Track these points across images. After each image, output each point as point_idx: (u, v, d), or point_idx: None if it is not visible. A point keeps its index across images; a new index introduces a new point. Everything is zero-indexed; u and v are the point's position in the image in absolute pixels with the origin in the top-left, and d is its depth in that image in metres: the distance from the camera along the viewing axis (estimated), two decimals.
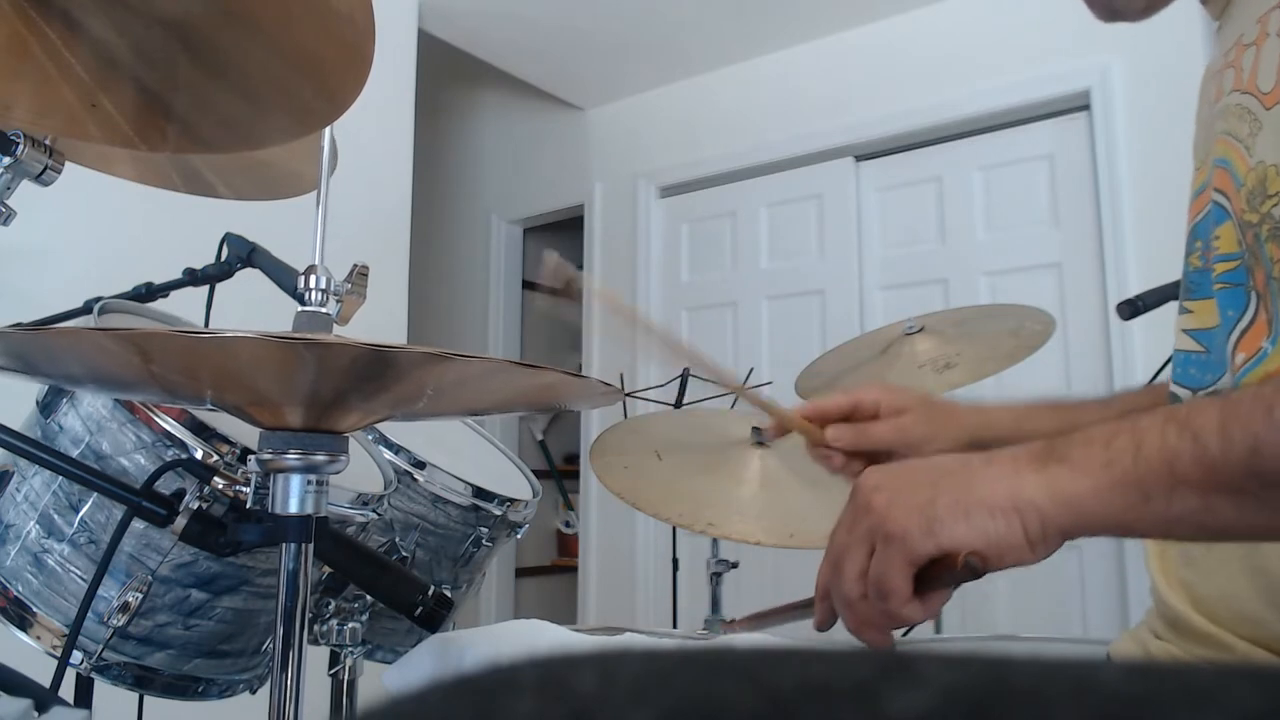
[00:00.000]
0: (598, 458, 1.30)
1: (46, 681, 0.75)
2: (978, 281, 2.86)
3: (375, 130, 2.64)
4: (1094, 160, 2.68)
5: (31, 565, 0.89)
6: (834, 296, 3.13)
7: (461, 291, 4.14)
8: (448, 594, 0.90)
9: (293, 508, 0.72)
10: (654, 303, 3.54)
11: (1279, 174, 0.62)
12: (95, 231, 2.05)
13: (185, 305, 1.16)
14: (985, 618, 2.51)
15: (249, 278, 1.14)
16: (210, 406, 0.78)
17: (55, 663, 0.82)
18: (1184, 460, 0.52)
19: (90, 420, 0.90)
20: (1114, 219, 2.61)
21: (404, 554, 1.16)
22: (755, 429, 1.31)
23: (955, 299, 2.85)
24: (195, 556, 0.88)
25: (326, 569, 0.98)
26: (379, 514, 1.03)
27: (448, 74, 3.85)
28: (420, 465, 1.17)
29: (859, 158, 3.16)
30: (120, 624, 0.86)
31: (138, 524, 0.84)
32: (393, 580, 0.89)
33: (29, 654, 0.84)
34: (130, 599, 0.86)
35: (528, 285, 4.28)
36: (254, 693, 1.02)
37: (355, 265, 0.86)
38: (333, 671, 1.05)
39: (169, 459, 0.86)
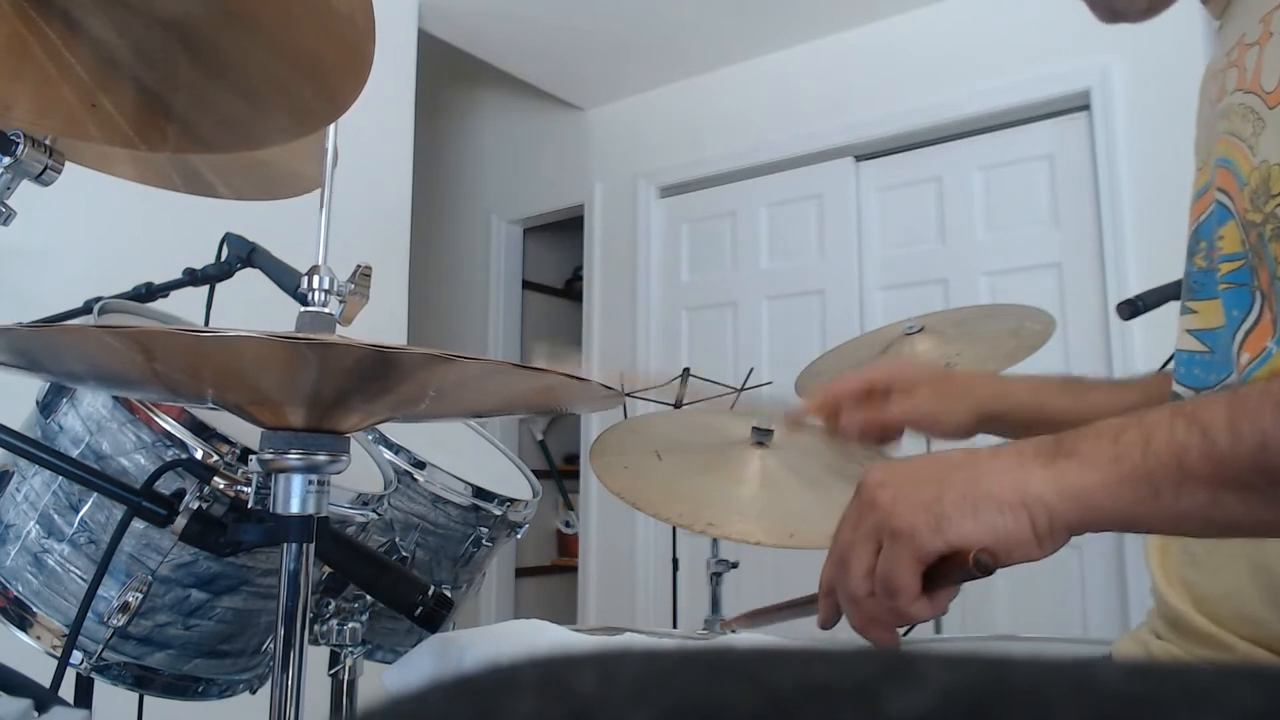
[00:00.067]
0: (598, 458, 1.30)
1: (46, 681, 0.75)
2: (978, 281, 2.86)
3: (375, 130, 2.64)
4: (1094, 160, 2.68)
5: (31, 565, 0.89)
6: (834, 296, 3.13)
7: (461, 291, 4.14)
8: (448, 594, 0.90)
9: (294, 508, 0.72)
10: (654, 303, 3.54)
11: None
12: (95, 231, 2.05)
13: (185, 305, 1.16)
14: (985, 618, 2.51)
15: (249, 278, 1.14)
16: (212, 405, 0.78)
17: (55, 663, 0.82)
18: (1193, 455, 0.51)
19: (90, 420, 0.90)
20: (1114, 219, 2.61)
21: (404, 554, 1.16)
22: (755, 429, 1.31)
23: (955, 299, 2.85)
24: (195, 556, 0.88)
25: (327, 569, 0.98)
26: (379, 514, 1.03)
27: (448, 74, 3.85)
28: (420, 465, 1.17)
29: (859, 158, 3.16)
30: (120, 624, 0.86)
31: (138, 524, 0.84)
32: (393, 580, 0.89)
33: (29, 654, 0.84)
34: (130, 599, 0.86)
35: (528, 285, 4.28)
36: (254, 693, 1.02)
37: (358, 266, 0.86)
38: (333, 671, 1.05)
39: (169, 459, 0.86)
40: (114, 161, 1.10)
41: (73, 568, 0.88)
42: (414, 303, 2.86)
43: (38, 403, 0.95)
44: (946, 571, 0.57)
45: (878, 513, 0.58)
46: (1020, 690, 0.17)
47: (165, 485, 0.83)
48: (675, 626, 2.46)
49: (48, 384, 0.94)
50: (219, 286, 1.19)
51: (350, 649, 1.04)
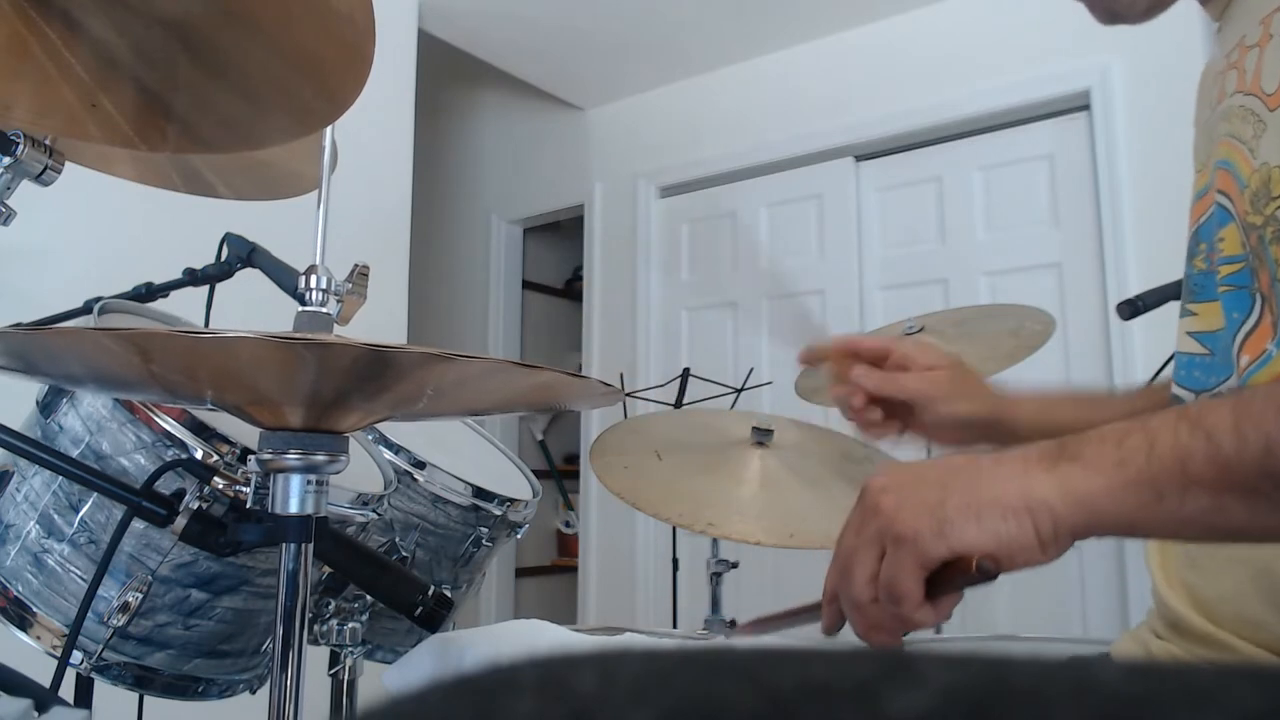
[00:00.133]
0: (598, 458, 1.30)
1: (46, 681, 0.75)
2: (978, 281, 2.86)
3: (375, 130, 2.64)
4: (1094, 160, 2.68)
5: (31, 565, 0.89)
6: (834, 296, 3.13)
7: (461, 291, 4.14)
8: (448, 594, 0.90)
9: (293, 508, 0.72)
10: (654, 303, 3.54)
11: None
12: (95, 231, 2.05)
13: (185, 305, 1.16)
14: (985, 618, 2.51)
15: (249, 278, 1.14)
16: (210, 406, 0.78)
17: (55, 663, 0.82)
18: (1197, 459, 0.51)
19: (90, 420, 0.90)
20: (1114, 219, 2.61)
21: (404, 554, 1.16)
22: (755, 429, 1.31)
23: (955, 299, 2.85)
24: (195, 556, 0.88)
25: (326, 569, 0.98)
26: (379, 514, 1.03)
27: (448, 74, 3.86)
28: (420, 465, 1.17)
29: (859, 158, 3.16)
30: (120, 624, 0.86)
31: (138, 524, 0.84)
32: (393, 580, 0.89)
33: (29, 654, 0.84)
34: (130, 599, 0.86)
35: (528, 285, 4.29)
36: (254, 693, 1.02)
37: (356, 265, 0.86)
38: (333, 671, 1.05)
39: (169, 459, 0.86)
40: (114, 161, 1.10)
41: (73, 568, 0.88)
42: (414, 303, 2.86)
43: (38, 403, 0.95)
44: (950, 577, 0.56)
45: (881, 518, 0.58)
46: (1020, 690, 0.17)
47: (165, 485, 0.83)
48: (675, 626, 2.46)
49: (48, 385, 0.94)
50: (219, 286, 1.19)
51: (350, 649, 1.04)
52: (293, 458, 0.71)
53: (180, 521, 0.80)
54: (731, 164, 3.40)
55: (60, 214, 1.85)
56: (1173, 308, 0.82)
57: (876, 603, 0.59)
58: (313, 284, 0.83)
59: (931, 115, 2.97)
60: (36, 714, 0.64)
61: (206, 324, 1.22)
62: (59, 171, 0.94)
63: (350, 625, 1.03)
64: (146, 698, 1.06)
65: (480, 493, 1.21)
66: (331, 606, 1.03)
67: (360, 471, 1.04)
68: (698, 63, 3.44)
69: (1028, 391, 0.91)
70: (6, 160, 0.90)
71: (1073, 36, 2.67)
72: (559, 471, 4.49)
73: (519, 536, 1.32)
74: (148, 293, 1.18)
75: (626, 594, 3.39)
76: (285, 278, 1.04)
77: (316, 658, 0.89)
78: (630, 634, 1.21)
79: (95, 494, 0.87)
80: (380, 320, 2.61)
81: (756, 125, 3.36)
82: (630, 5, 3.06)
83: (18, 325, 0.61)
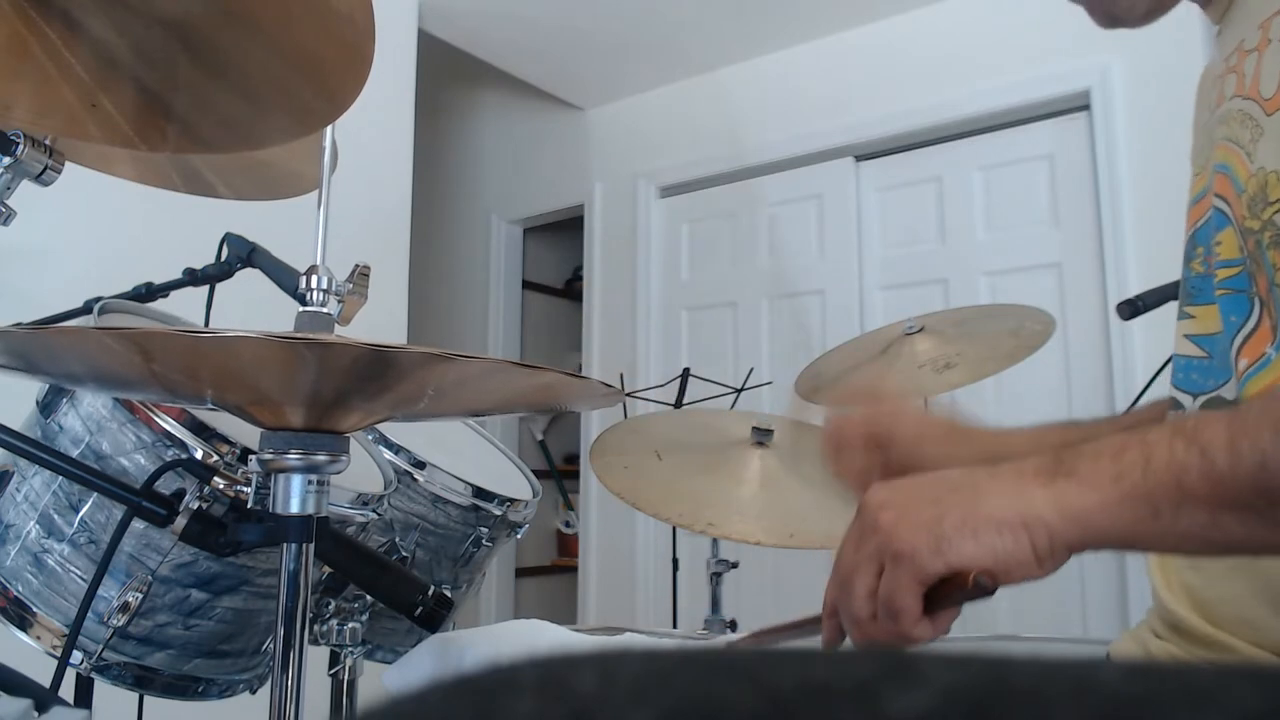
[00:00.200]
0: (598, 458, 1.30)
1: (46, 681, 0.75)
2: (978, 281, 2.86)
3: (375, 130, 2.64)
4: (1094, 160, 2.68)
5: (31, 565, 0.89)
6: (834, 296, 3.13)
7: (461, 291, 4.14)
8: (448, 594, 0.90)
9: (294, 508, 0.72)
10: (654, 303, 3.54)
11: None
12: (95, 231, 2.05)
13: (185, 305, 1.16)
14: (985, 618, 2.51)
15: (249, 278, 1.14)
16: (211, 406, 0.78)
17: (55, 663, 0.82)
18: (1192, 475, 0.51)
19: (90, 420, 0.90)
20: (1114, 219, 2.61)
21: (404, 554, 1.16)
22: (755, 429, 1.31)
23: (955, 299, 2.85)
24: (195, 556, 0.88)
25: (326, 569, 0.98)
26: (379, 514, 1.03)
27: (448, 74, 3.85)
28: (420, 465, 1.17)
29: (859, 158, 3.16)
30: (120, 624, 0.86)
31: (138, 524, 0.84)
32: (393, 580, 0.89)
33: (29, 654, 0.84)
34: (130, 599, 0.86)
35: (528, 285, 4.29)
36: (254, 693, 1.02)
37: (356, 265, 0.86)
38: (333, 671, 1.05)
39: (169, 459, 0.86)
40: (114, 161, 1.10)
41: (73, 568, 0.88)
42: (414, 303, 2.86)
43: (38, 403, 0.95)
44: (948, 593, 0.57)
45: (880, 535, 0.58)
46: (1020, 690, 0.17)
47: (165, 485, 0.83)
48: (675, 626, 2.46)
49: (48, 385, 0.94)
50: (219, 286, 1.19)
51: (350, 649, 1.04)
52: (294, 458, 0.71)
53: (180, 521, 0.80)
54: (731, 164, 3.40)
55: (60, 214, 1.85)
56: (1173, 308, 0.82)
57: (876, 618, 0.59)
58: (313, 284, 0.83)
59: (931, 115, 2.97)
60: (36, 714, 0.64)
61: (206, 324, 1.22)
62: (59, 171, 0.94)
63: (350, 625, 1.03)
64: (146, 698, 1.06)
65: (480, 493, 1.21)
66: (331, 606, 1.03)
67: (360, 471, 1.04)
68: (698, 63, 3.44)
69: (1019, 431, 0.92)
70: (6, 160, 0.90)
71: (1073, 36, 2.66)
72: (559, 471, 4.49)
73: (519, 536, 1.32)
74: (148, 293, 1.18)
75: (626, 594, 3.39)
76: (285, 278, 1.04)
77: (316, 658, 0.89)
78: (630, 634, 1.21)
79: (95, 494, 0.87)
80: (380, 320, 2.61)
81: (756, 125, 3.35)
82: (630, 5, 3.06)
83: (18, 325, 0.61)
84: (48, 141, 0.92)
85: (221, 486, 0.84)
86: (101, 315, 0.97)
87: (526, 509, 1.28)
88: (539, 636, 1.03)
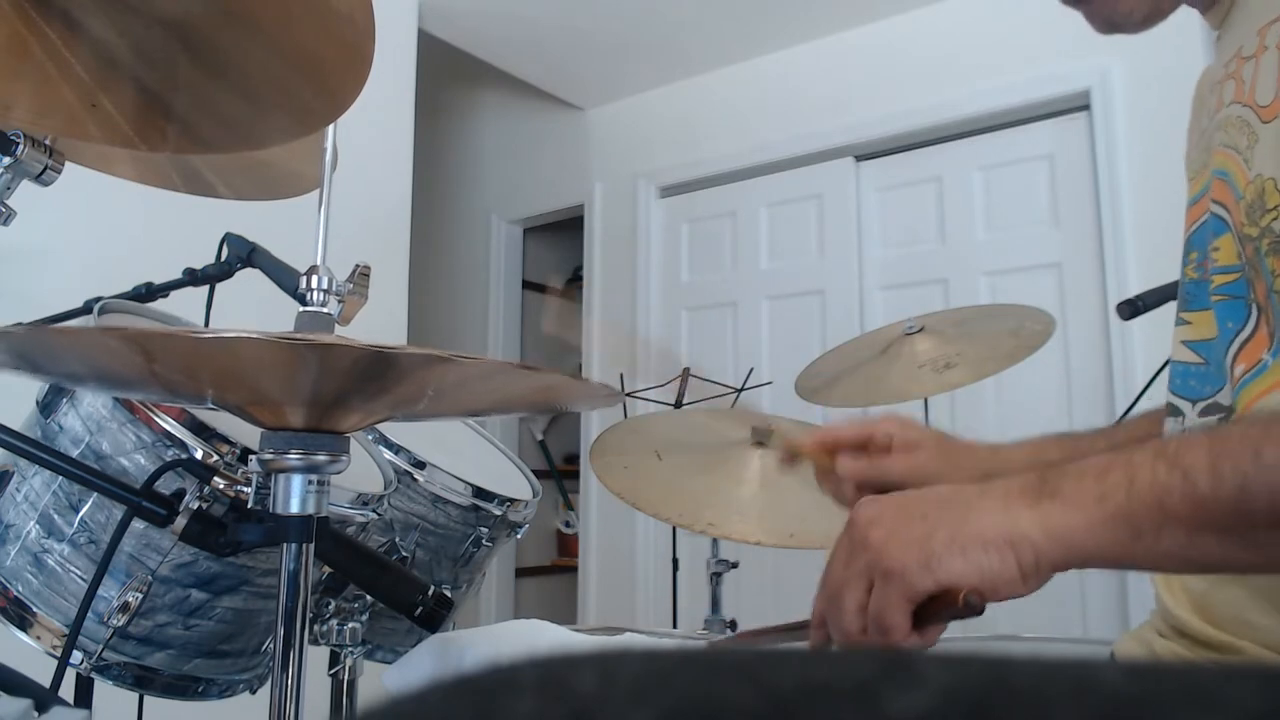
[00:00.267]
0: (598, 458, 1.30)
1: (46, 681, 0.75)
2: (978, 281, 2.86)
3: (375, 130, 2.64)
4: (1094, 160, 2.68)
5: (31, 565, 0.89)
6: (834, 296, 3.13)
7: (461, 291, 4.14)
8: (448, 594, 0.90)
9: (294, 508, 0.72)
10: (654, 303, 3.54)
11: (1277, 188, 0.62)
12: (95, 231, 2.05)
13: (185, 305, 1.16)
14: (985, 618, 2.50)
15: (249, 278, 1.14)
16: (211, 406, 0.78)
17: (55, 663, 0.81)
18: (1174, 497, 0.52)
19: (90, 420, 0.90)
20: (1114, 219, 2.61)
21: (404, 554, 1.16)
22: (755, 429, 1.31)
23: (955, 299, 2.85)
24: (195, 556, 0.88)
25: (327, 569, 0.98)
26: (379, 514, 1.03)
27: (448, 74, 3.85)
28: (420, 465, 1.17)
29: (859, 158, 3.16)
30: (120, 624, 0.86)
31: (138, 524, 0.84)
32: (393, 580, 0.89)
33: (29, 654, 0.84)
34: (130, 599, 0.86)
35: (528, 285, 4.28)
36: (254, 693, 1.02)
37: (357, 265, 0.86)
38: (333, 671, 1.05)
39: (169, 459, 0.86)
40: (114, 161, 1.10)
41: (73, 568, 0.88)
42: (414, 303, 2.86)
43: (38, 403, 0.95)
44: (936, 610, 0.58)
45: (870, 553, 0.59)
46: (1020, 690, 0.17)
47: (165, 485, 0.83)
48: (675, 626, 2.46)
49: (48, 384, 0.94)
50: (219, 286, 1.19)
51: (350, 649, 1.04)
52: (294, 458, 0.71)
53: (180, 521, 0.80)
54: (731, 164, 3.40)
55: (60, 214, 1.85)
56: (1173, 307, 0.82)
57: (865, 633, 0.60)
58: (314, 284, 0.83)
59: (931, 115, 2.97)
60: (36, 714, 0.64)
61: (207, 324, 1.22)
62: (59, 171, 0.94)
63: (350, 625, 1.03)
64: (146, 698, 1.06)
65: (480, 493, 1.21)
66: (331, 606, 1.03)
67: (360, 471, 1.04)
68: (698, 63, 3.44)
69: (1015, 444, 0.92)
70: (6, 160, 0.90)
71: (1073, 37, 2.65)
72: (559, 471, 4.49)
73: (519, 536, 1.32)
74: (148, 293, 1.18)
75: (626, 594, 3.39)
76: (285, 278, 1.04)
77: (316, 658, 0.89)
78: (630, 634, 1.21)
79: (95, 494, 0.87)
80: (380, 320, 2.60)
81: (756, 125, 3.35)
82: (630, 5, 3.06)
83: (19, 324, 0.61)
84: (48, 141, 0.92)
85: (221, 486, 0.84)
86: (101, 315, 0.97)
87: (526, 509, 1.28)
88: (539, 636, 1.03)
